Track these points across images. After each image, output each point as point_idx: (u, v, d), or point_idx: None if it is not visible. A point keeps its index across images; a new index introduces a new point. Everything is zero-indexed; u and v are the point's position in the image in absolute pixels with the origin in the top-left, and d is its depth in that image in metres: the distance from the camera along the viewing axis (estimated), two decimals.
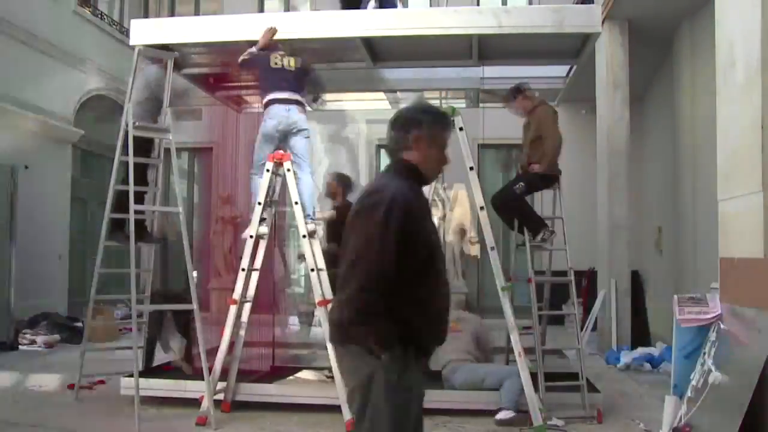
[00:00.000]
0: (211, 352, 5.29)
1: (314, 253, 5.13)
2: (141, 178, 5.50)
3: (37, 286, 9.52)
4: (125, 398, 5.23)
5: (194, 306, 5.09)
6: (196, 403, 5.02)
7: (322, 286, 5.09)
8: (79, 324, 9.02)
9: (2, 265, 8.24)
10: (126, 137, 5.14)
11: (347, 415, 4.68)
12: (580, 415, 4.89)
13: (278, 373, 5.84)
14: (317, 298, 5.03)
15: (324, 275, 5.18)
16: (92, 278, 5.60)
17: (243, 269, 5.21)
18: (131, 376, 5.07)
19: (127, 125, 5.15)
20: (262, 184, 5.22)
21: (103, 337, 8.48)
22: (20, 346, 8.29)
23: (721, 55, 4.28)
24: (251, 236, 5.20)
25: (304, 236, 5.11)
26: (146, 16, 12.75)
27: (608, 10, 7.70)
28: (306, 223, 5.13)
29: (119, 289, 6.26)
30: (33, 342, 8.53)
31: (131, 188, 5.03)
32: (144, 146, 5.46)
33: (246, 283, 5.23)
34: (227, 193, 10.28)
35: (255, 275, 5.32)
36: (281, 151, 5.28)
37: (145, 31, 5.62)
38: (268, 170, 5.21)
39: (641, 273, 9.17)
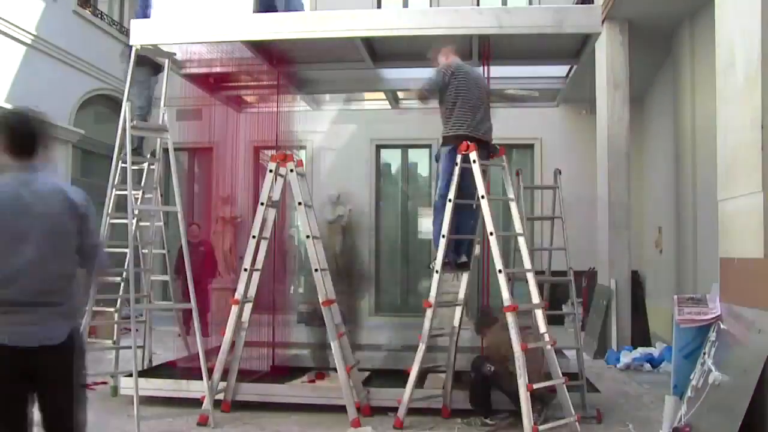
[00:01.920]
0: (210, 353, 5.30)
1: (317, 253, 5.12)
2: None
3: None
4: (125, 398, 5.24)
5: (192, 305, 5.09)
6: (195, 403, 5.02)
7: (325, 286, 5.09)
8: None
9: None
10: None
11: (353, 414, 4.69)
12: (579, 415, 4.88)
13: (278, 373, 5.84)
14: (321, 298, 5.02)
15: (327, 275, 5.18)
16: None
17: (245, 269, 5.20)
18: (131, 375, 5.07)
19: (125, 124, 5.16)
20: (264, 184, 5.21)
21: (103, 337, 8.48)
22: None
23: (721, 55, 4.28)
24: (253, 236, 5.18)
25: (307, 236, 5.10)
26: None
27: (608, 11, 7.71)
28: None
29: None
30: None
31: (129, 189, 5.03)
32: None
33: (248, 283, 5.22)
34: (227, 193, 10.27)
35: (256, 275, 5.31)
36: (285, 152, 5.27)
37: (145, 31, 5.62)
38: (270, 171, 5.19)
39: (641, 273, 9.17)
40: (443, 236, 4.80)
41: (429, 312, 4.81)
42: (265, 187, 5.19)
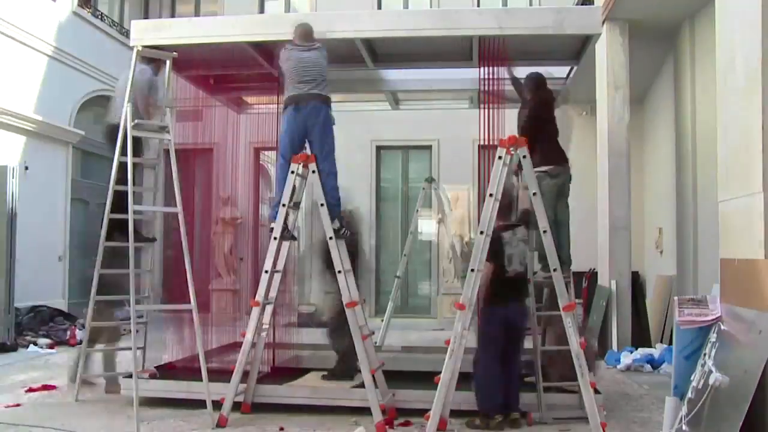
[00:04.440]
0: (208, 354, 5.27)
1: (340, 254, 5.12)
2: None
3: (37, 287, 9.53)
4: (125, 398, 5.24)
5: (192, 305, 5.08)
6: (196, 403, 5.02)
7: (349, 288, 5.06)
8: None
9: (3, 265, 8.24)
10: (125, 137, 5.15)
11: (378, 417, 4.66)
12: (579, 415, 4.88)
13: (279, 374, 5.84)
14: (345, 300, 5.00)
15: (351, 276, 5.14)
16: (92, 279, 5.60)
17: (266, 271, 5.15)
18: (131, 376, 5.06)
19: (125, 124, 5.16)
20: (286, 185, 5.18)
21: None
22: (21, 347, 8.29)
23: (721, 56, 4.28)
24: (275, 238, 5.16)
25: (330, 238, 5.07)
26: (146, 17, 12.77)
27: (608, 11, 7.71)
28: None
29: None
30: (34, 343, 8.54)
31: (130, 188, 5.02)
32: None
33: (269, 285, 5.20)
34: (227, 194, 10.29)
35: (278, 277, 5.30)
36: (306, 152, 5.25)
37: (145, 32, 5.62)
38: (292, 172, 5.16)
39: (641, 274, 9.16)
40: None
41: (461, 314, 4.58)
42: (287, 188, 5.16)
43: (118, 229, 5.49)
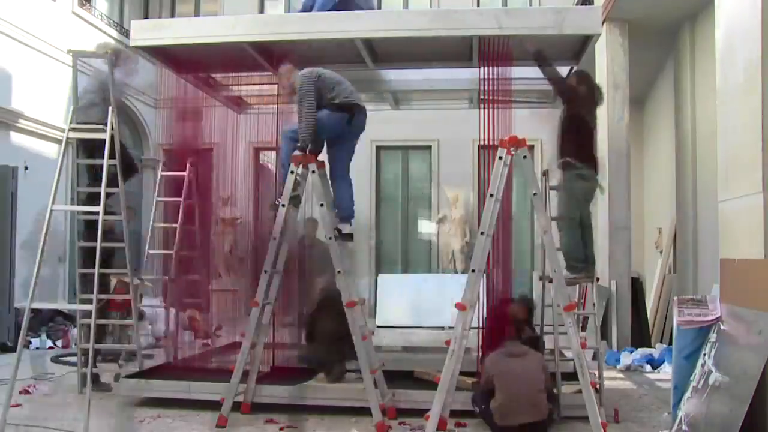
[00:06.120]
0: (209, 354, 5.28)
1: (340, 255, 5.12)
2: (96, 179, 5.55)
3: (38, 288, 9.51)
4: (125, 398, 5.24)
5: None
6: (197, 403, 5.02)
7: (349, 288, 5.06)
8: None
9: (3, 266, 8.24)
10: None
11: (377, 417, 4.65)
12: (579, 414, 4.88)
13: (278, 374, 5.84)
14: (344, 300, 5.01)
15: (350, 276, 5.14)
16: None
17: (265, 271, 5.14)
18: (132, 376, 5.06)
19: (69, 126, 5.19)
20: (285, 186, 5.17)
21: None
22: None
23: (721, 56, 4.28)
24: (274, 238, 5.16)
25: (329, 238, 5.08)
26: (146, 16, 12.76)
27: (608, 11, 7.71)
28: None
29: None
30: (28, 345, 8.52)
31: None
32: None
33: (268, 285, 5.20)
34: (227, 194, 10.27)
35: (277, 277, 5.29)
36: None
37: (144, 32, 5.63)
38: (292, 172, 5.17)
39: (640, 275, 9.16)
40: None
41: (461, 314, 4.51)
42: (286, 188, 5.16)
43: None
